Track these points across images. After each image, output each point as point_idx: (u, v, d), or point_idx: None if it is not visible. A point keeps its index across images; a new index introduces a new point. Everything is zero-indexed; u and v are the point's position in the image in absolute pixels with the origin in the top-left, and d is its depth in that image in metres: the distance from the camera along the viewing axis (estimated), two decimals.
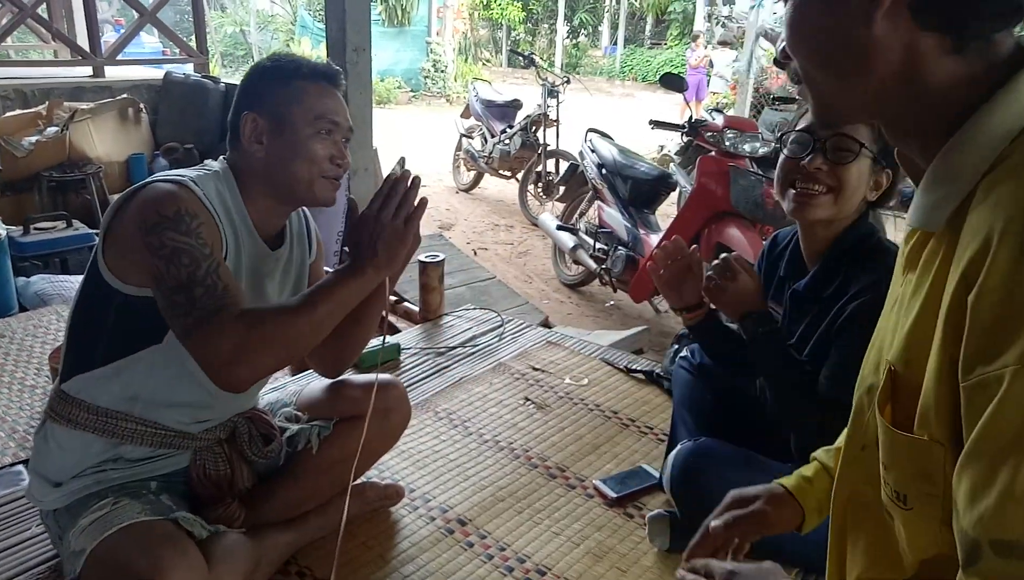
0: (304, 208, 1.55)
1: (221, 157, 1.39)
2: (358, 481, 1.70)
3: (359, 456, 1.49)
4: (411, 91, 13.72)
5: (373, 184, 4.69)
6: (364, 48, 4.18)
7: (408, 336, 2.65)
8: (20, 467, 1.87)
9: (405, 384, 2.28)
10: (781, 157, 1.45)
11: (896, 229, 5.54)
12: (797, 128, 1.44)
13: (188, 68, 5.70)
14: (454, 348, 2.55)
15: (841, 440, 1.03)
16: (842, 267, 1.41)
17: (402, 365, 2.43)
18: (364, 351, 2.36)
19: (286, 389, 1.77)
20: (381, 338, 2.46)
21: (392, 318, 2.94)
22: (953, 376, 0.59)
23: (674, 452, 1.56)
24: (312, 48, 12.84)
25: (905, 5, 0.61)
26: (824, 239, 1.45)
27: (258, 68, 1.38)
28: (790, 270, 1.56)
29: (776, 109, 6.53)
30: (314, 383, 1.71)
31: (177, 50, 6.03)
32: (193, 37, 5.88)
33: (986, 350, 0.55)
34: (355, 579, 1.51)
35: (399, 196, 1.26)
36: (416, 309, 2.86)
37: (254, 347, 1.15)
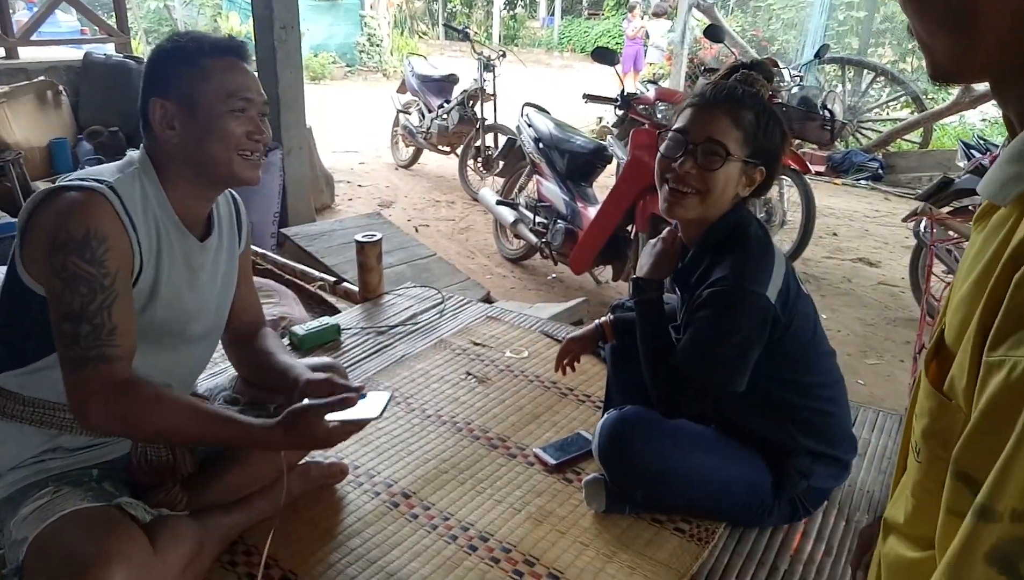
0: (232, 192, 1.55)
1: (142, 145, 1.37)
2: (302, 461, 1.72)
3: None
4: (346, 66, 13.46)
5: (308, 163, 4.64)
6: (292, 25, 4.10)
7: (348, 316, 2.66)
8: None
9: (346, 364, 2.30)
10: (659, 152, 1.50)
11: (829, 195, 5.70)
12: (673, 127, 1.48)
13: (109, 48, 5.48)
14: (395, 326, 2.57)
15: None
16: (708, 254, 1.49)
17: (342, 345, 2.44)
18: (304, 333, 2.40)
19: (226, 373, 1.77)
20: (320, 319, 2.48)
21: (331, 298, 2.94)
22: (981, 349, 0.58)
23: (600, 422, 1.62)
24: (241, 23, 12.44)
25: None
26: (697, 230, 1.52)
27: (160, 51, 1.34)
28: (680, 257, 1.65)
29: (708, 79, 6.64)
30: None
31: (96, 29, 5.79)
32: (113, 15, 5.65)
33: (1013, 333, 0.54)
34: (302, 556, 1.54)
35: (350, 427, 1.32)
36: (355, 289, 2.86)
37: (114, 415, 1.21)
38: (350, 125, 8.90)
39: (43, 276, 1.23)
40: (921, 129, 7.53)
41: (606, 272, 4.16)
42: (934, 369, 0.68)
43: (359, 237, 2.72)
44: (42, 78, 4.49)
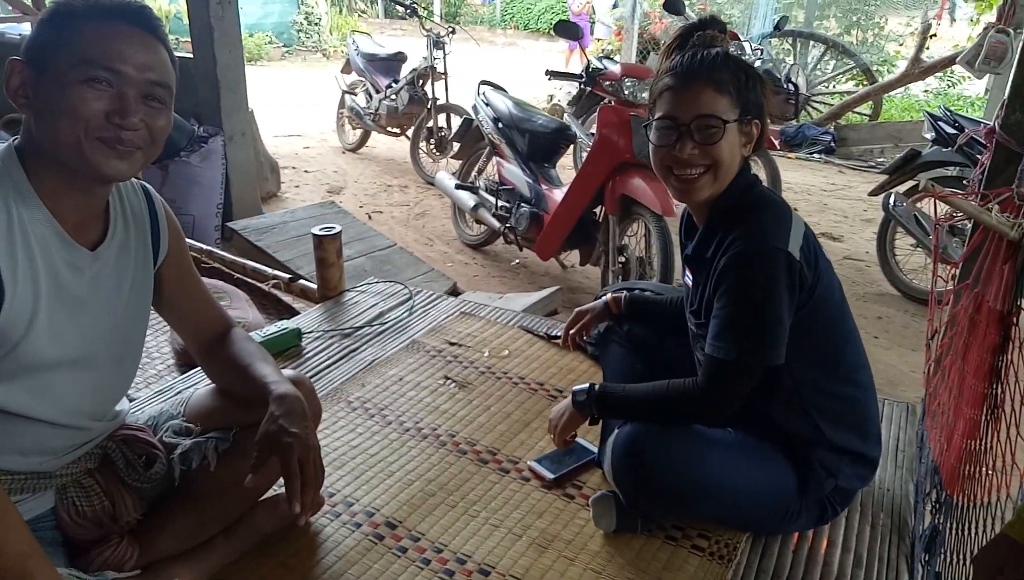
0: (144, 183, 1.31)
1: (12, 138, 1.12)
2: (268, 494, 1.51)
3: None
4: (284, 46, 12.92)
5: (252, 149, 4.34)
6: (230, 0, 3.78)
7: (308, 318, 2.43)
8: None
9: (310, 374, 2.09)
10: (651, 146, 1.42)
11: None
12: (657, 116, 1.40)
13: (25, 28, 5.04)
14: (361, 327, 2.36)
15: None
16: (720, 226, 1.41)
17: (304, 352, 2.22)
18: (262, 340, 2.17)
19: (172, 398, 1.54)
20: (278, 324, 2.25)
21: (288, 298, 2.70)
22: None
23: (611, 439, 1.46)
24: (170, 3, 11.80)
25: None
26: (708, 203, 1.44)
27: (48, 12, 1.09)
28: (684, 236, 1.58)
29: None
30: (205, 388, 1.48)
31: (9, 8, 5.32)
32: None
33: None
34: None
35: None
36: (314, 286, 2.63)
37: None
38: (292, 108, 8.50)
39: None
40: (871, 102, 7.56)
41: (573, 256, 4.00)
42: None
43: (317, 230, 2.48)
44: None
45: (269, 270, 2.84)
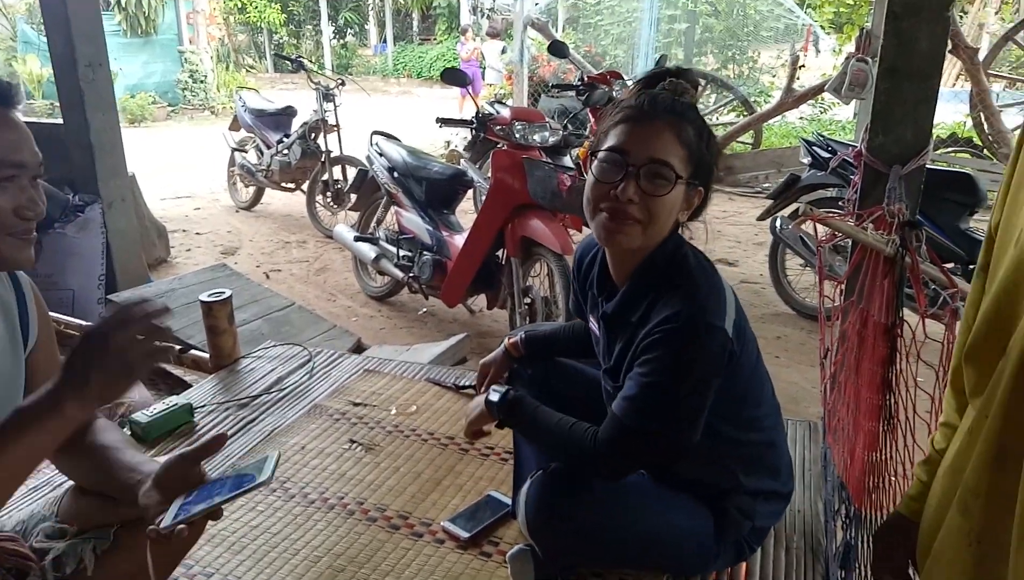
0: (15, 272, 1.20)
1: None
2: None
3: (153, 565, 1.18)
4: (168, 106, 12.53)
5: (135, 215, 4.13)
6: (100, 62, 3.63)
7: (200, 391, 2.29)
8: None
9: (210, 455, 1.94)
10: (590, 178, 1.30)
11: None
12: (607, 146, 1.28)
13: None
14: (258, 396, 2.24)
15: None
16: (649, 290, 1.30)
17: (197, 428, 2.08)
18: (149, 420, 2.02)
19: (44, 496, 1.40)
20: (167, 400, 2.10)
21: (178, 371, 2.54)
22: None
23: (524, 488, 1.41)
24: (42, 67, 11.27)
25: None
26: (632, 261, 1.34)
27: None
28: (600, 288, 1.45)
29: (553, 96, 6.68)
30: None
31: None
32: None
33: None
34: None
35: (140, 319, 0.97)
36: (206, 356, 2.49)
37: None
38: (180, 169, 8.20)
39: None
40: (752, 131, 7.96)
41: (480, 301, 3.98)
42: None
43: (204, 296, 2.36)
44: None
45: None
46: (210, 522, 1.11)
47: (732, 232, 5.91)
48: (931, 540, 0.98)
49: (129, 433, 2.02)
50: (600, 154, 1.28)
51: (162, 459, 1.27)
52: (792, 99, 7.20)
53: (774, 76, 9.37)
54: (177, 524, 1.04)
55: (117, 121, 3.87)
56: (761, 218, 4.28)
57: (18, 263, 1.06)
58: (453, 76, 3.54)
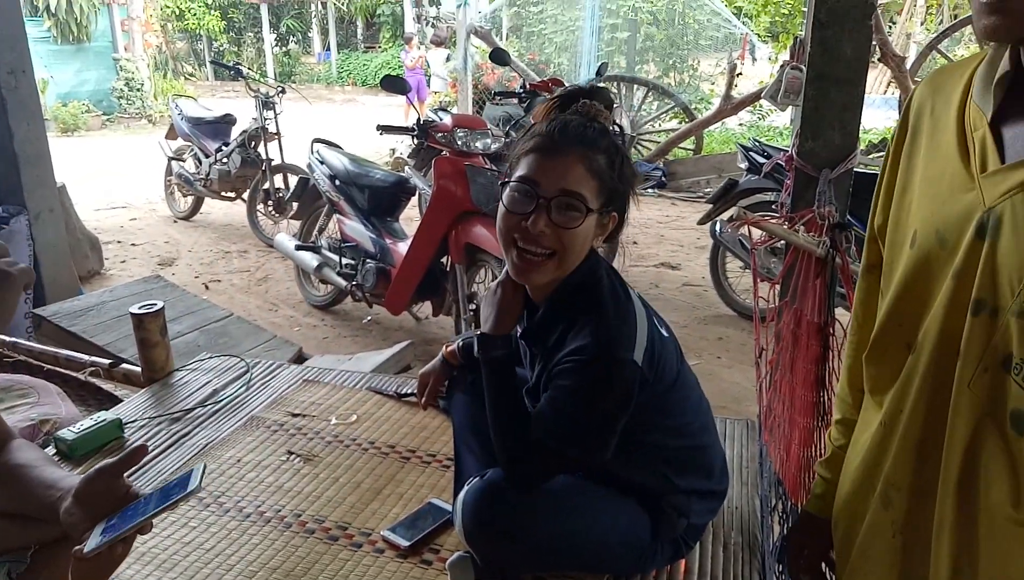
0: None
1: None
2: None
3: None
4: (103, 114, 12.16)
5: (65, 226, 3.99)
6: (24, 69, 3.50)
7: (131, 406, 2.21)
8: None
9: (134, 467, 1.88)
10: (501, 209, 1.29)
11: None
12: (517, 176, 1.26)
13: None
14: (192, 409, 2.17)
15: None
16: (563, 316, 1.31)
17: (127, 444, 2.00)
18: (75, 437, 1.94)
19: None
20: (95, 416, 2.03)
21: (109, 386, 2.45)
22: None
23: (461, 495, 1.40)
24: None
25: None
26: (548, 286, 1.34)
27: None
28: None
29: (497, 104, 6.70)
30: None
31: None
32: None
33: None
34: None
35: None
36: (138, 370, 2.40)
37: None
38: (115, 178, 7.96)
39: None
40: (693, 137, 8.13)
41: (425, 308, 3.95)
42: (1017, 325, 0.74)
43: (135, 309, 2.28)
44: None
45: (86, 357, 2.58)
46: (139, 537, 1.08)
47: (675, 236, 6.01)
48: (849, 535, 1.00)
49: (54, 451, 1.94)
50: (511, 184, 1.27)
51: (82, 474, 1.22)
52: (730, 106, 7.39)
53: (713, 84, 9.59)
54: (103, 546, 1.00)
55: (43, 130, 3.74)
56: (701, 222, 4.36)
57: None
58: (393, 84, 3.53)
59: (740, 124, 9.76)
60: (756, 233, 2.32)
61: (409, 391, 2.27)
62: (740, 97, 7.32)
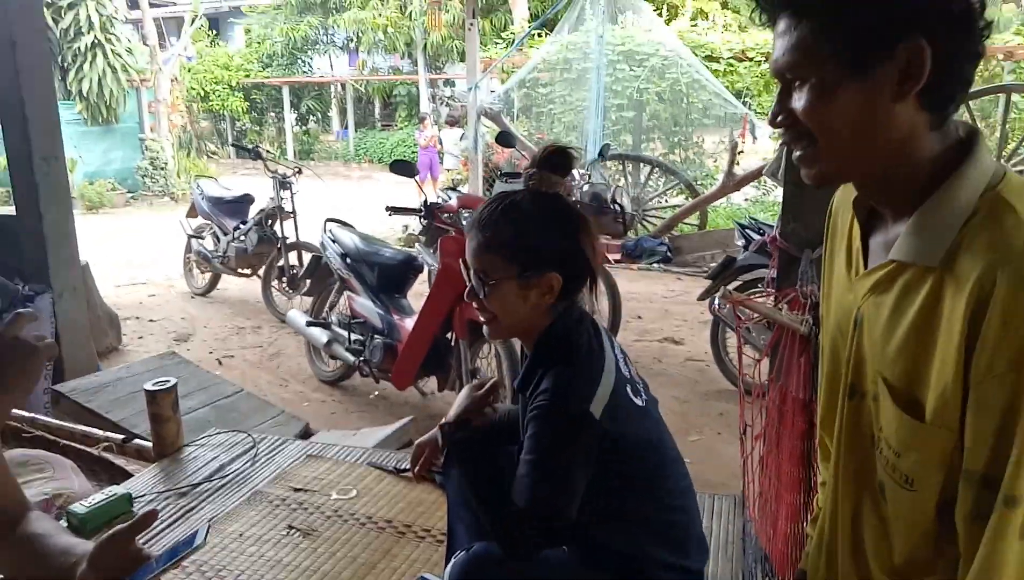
0: None
1: None
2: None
3: None
4: (128, 192, 12.60)
5: (86, 304, 4.15)
6: (56, 156, 3.73)
7: (140, 481, 2.30)
8: None
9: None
10: None
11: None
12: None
13: None
14: (199, 484, 2.26)
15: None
16: (539, 367, 1.43)
17: (136, 517, 2.08)
18: (86, 511, 2.03)
19: None
20: (106, 490, 2.12)
21: (120, 461, 2.54)
22: (963, 381, 0.75)
23: (448, 568, 1.47)
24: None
25: (920, 89, 0.78)
26: (528, 342, 1.49)
27: None
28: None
29: (506, 182, 6.93)
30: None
31: None
32: None
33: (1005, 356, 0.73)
34: None
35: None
36: (149, 445, 2.50)
37: None
38: (136, 255, 8.22)
39: None
40: (697, 212, 8.30)
41: (431, 383, 4.04)
42: (875, 408, 0.86)
43: (148, 385, 2.39)
44: None
45: (100, 432, 2.68)
46: None
47: (679, 311, 6.09)
48: None
49: (66, 524, 2.02)
50: None
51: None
52: (733, 182, 7.58)
53: (715, 161, 9.83)
54: None
55: (70, 213, 3.94)
56: (701, 298, 4.46)
57: None
58: (401, 168, 3.71)
59: (746, 200, 9.95)
60: (744, 312, 2.41)
61: (407, 467, 2.34)
62: (743, 174, 7.51)
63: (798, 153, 0.87)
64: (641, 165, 8.89)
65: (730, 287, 4.44)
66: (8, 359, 1.04)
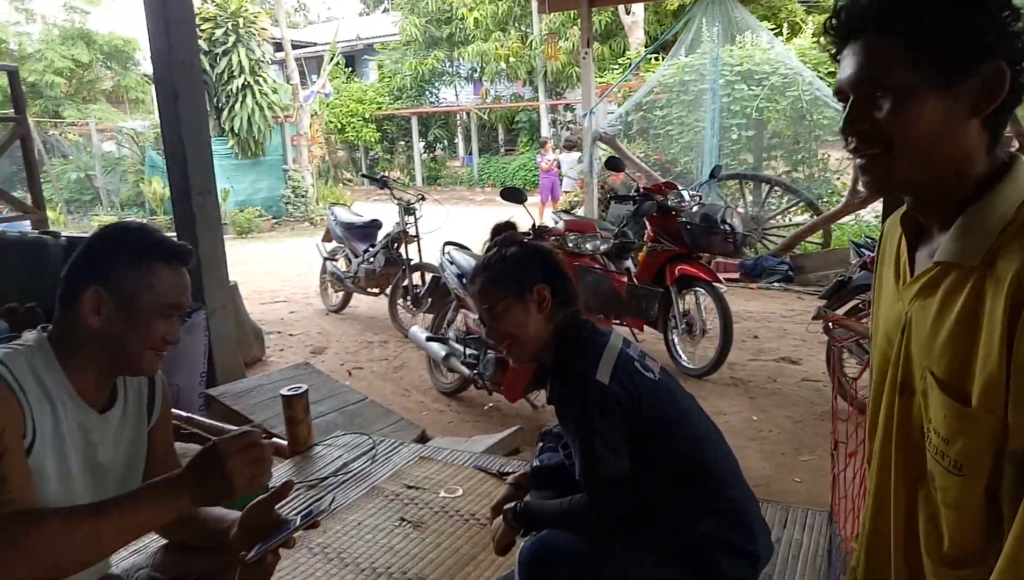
0: None
1: (40, 326, 1.38)
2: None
3: None
4: (273, 218, 13.70)
5: (235, 320, 4.63)
6: (210, 189, 4.21)
7: (277, 473, 2.61)
8: None
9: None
10: None
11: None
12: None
13: (25, 225, 5.48)
14: (326, 478, 2.53)
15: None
16: (556, 380, 1.66)
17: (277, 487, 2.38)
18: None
19: (147, 550, 1.71)
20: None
21: None
22: (1006, 366, 0.81)
23: (519, 551, 1.64)
24: (164, 187, 12.62)
25: (987, 113, 0.87)
26: (548, 357, 1.70)
27: (105, 238, 1.38)
28: None
29: (618, 204, 7.04)
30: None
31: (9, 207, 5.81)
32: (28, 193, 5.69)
33: None
34: None
35: (249, 441, 1.23)
36: (285, 443, 2.82)
37: (7, 560, 1.09)
38: (279, 276, 8.95)
39: None
40: (820, 231, 8.05)
41: (541, 396, 4.21)
42: (924, 402, 0.93)
43: (284, 391, 2.71)
44: None
45: None
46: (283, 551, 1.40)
47: (798, 331, 5.95)
48: None
49: None
50: None
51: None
52: (858, 200, 7.31)
53: (839, 178, 9.47)
54: (262, 553, 1.33)
55: (222, 239, 4.43)
56: (814, 318, 4.38)
57: (149, 372, 1.39)
58: (511, 195, 3.94)
59: (876, 216, 9.52)
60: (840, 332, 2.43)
61: (509, 470, 2.52)
62: (867, 193, 7.23)
63: (863, 161, 0.93)
64: (761, 184, 8.73)
65: (844, 308, 4.35)
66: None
